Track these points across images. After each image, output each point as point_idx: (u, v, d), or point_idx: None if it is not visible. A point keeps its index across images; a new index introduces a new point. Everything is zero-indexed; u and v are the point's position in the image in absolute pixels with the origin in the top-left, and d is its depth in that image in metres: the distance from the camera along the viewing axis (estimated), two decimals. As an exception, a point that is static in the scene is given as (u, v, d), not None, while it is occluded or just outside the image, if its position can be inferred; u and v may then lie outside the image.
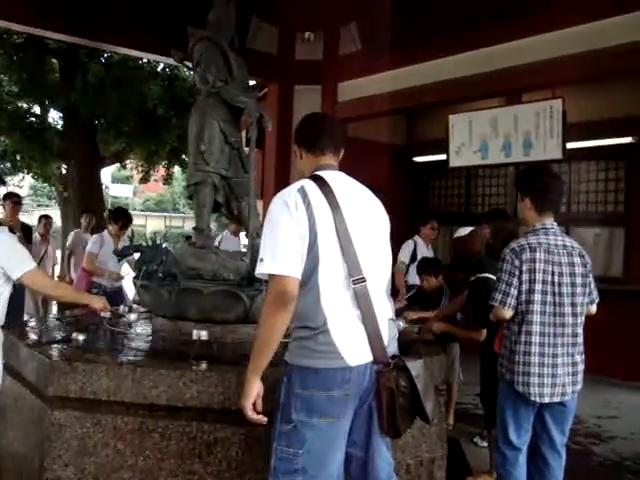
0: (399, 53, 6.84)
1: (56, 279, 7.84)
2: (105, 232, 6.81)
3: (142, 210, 42.36)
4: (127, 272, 6.45)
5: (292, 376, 2.29)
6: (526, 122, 6.84)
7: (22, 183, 21.05)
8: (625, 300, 7.00)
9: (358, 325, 2.31)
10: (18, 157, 14.29)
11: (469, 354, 5.03)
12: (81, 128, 13.09)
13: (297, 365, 2.29)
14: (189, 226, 31.59)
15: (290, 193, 2.33)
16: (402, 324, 3.70)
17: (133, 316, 4.18)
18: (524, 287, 3.12)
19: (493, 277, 3.60)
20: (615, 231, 8.26)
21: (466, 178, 9.94)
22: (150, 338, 3.78)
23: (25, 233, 7.30)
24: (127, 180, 38.50)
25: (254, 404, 2.32)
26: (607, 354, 6.39)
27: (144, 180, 16.51)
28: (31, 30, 6.92)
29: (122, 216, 6.89)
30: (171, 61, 6.87)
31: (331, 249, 2.28)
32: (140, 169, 16.09)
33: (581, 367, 3.19)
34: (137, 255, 4.01)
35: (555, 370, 3.09)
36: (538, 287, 3.10)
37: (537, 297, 3.10)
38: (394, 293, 5.86)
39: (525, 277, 3.11)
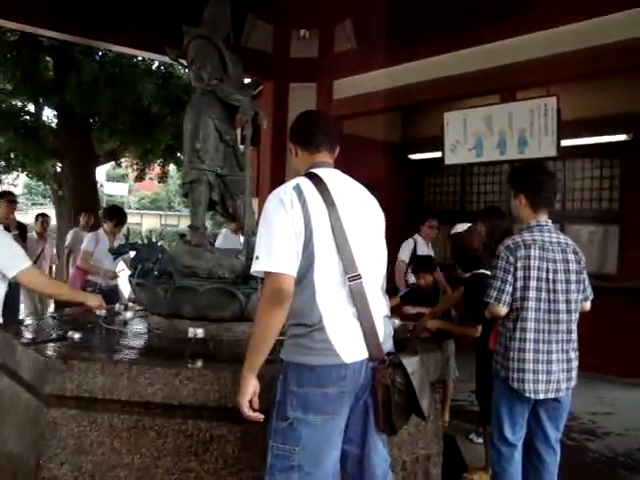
0: (394, 51, 6.83)
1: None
2: (100, 230, 6.81)
3: (137, 208, 42.33)
4: (122, 270, 6.44)
5: (288, 373, 2.29)
6: (521, 120, 6.85)
7: (16, 181, 21.00)
8: (620, 297, 7.04)
9: (354, 322, 2.31)
10: (12, 155, 14.22)
11: (464, 351, 5.04)
12: (76, 126, 13.07)
13: (293, 362, 2.29)
14: (184, 224, 31.48)
15: (286, 191, 2.33)
16: (397, 322, 3.71)
17: (129, 314, 4.17)
18: (519, 284, 3.13)
19: (489, 273, 3.62)
20: (610, 228, 8.29)
21: (461, 175, 9.96)
22: (146, 336, 3.78)
23: (20, 232, 7.29)
24: (122, 178, 38.40)
25: (250, 402, 2.33)
26: (602, 351, 6.41)
27: (139, 178, 16.47)
28: (25, 28, 6.88)
29: (116, 214, 6.88)
30: (166, 59, 6.86)
31: (327, 247, 2.29)
32: (135, 167, 16.05)
33: (575, 363, 3.21)
34: (132, 253, 4.01)
35: (550, 366, 3.11)
36: (533, 284, 3.11)
37: (532, 294, 3.11)
38: (394, 291, 5.87)
39: (520, 274, 3.13)
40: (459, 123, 7.49)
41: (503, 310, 3.18)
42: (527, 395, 3.11)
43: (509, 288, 3.15)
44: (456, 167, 9.14)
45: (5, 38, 11.40)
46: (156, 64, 13.08)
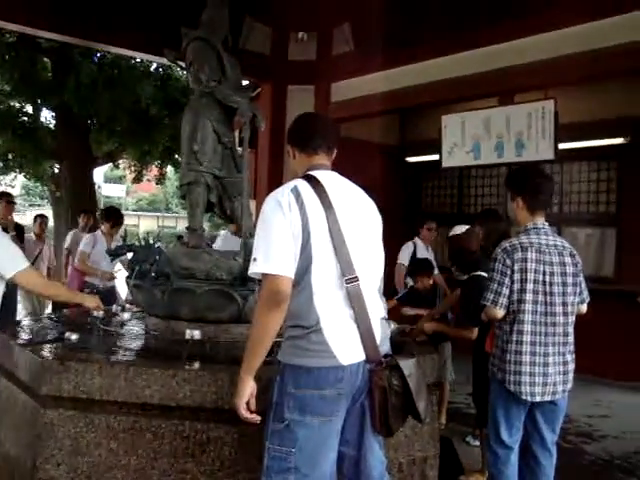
0: (392, 53, 6.85)
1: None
2: (98, 232, 6.82)
3: (135, 210, 42.30)
4: (119, 271, 6.44)
5: (285, 375, 2.30)
6: (518, 123, 6.86)
7: (14, 182, 20.96)
8: (616, 300, 7.04)
9: (351, 324, 2.32)
10: (10, 156, 14.25)
11: (461, 353, 5.05)
12: (74, 128, 13.08)
13: (290, 364, 2.30)
14: (182, 226, 31.55)
15: (283, 193, 2.34)
16: (393, 325, 3.71)
17: (126, 315, 4.17)
18: (516, 286, 3.14)
19: (487, 275, 3.62)
20: (607, 231, 8.29)
21: (459, 178, 9.96)
22: (143, 338, 3.78)
23: (18, 233, 7.28)
24: (120, 180, 38.40)
25: (247, 403, 2.33)
26: (598, 354, 6.42)
27: (137, 180, 16.48)
28: (23, 29, 6.88)
29: (113, 215, 6.90)
30: (164, 61, 6.87)
31: (324, 249, 2.29)
32: (133, 169, 16.07)
33: (572, 366, 3.21)
34: (130, 255, 4.01)
35: (546, 369, 3.11)
36: (529, 287, 3.12)
37: (528, 296, 3.12)
38: (392, 294, 5.86)
39: (517, 277, 3.13)
40: (457, 126, 7.50)
41: (500, 313, 3.19)
42: (524, 397, 3.12)
43: (506, 291, 3.15)
44: (454, 170, 9.15)
45: (3, 39, 11.41)
46: (154, 66, 13.11)
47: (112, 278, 6.76)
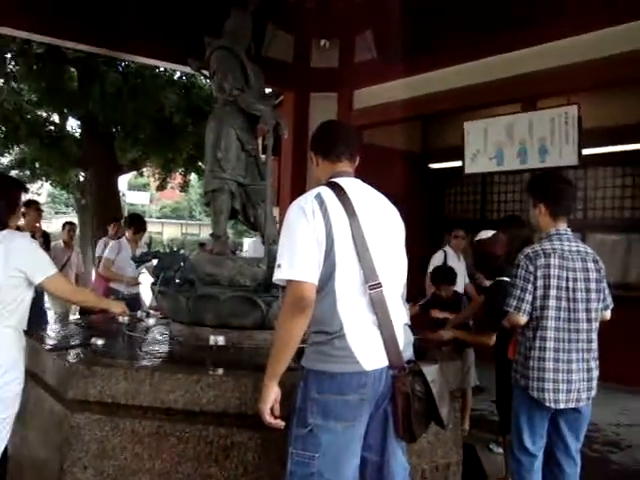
0: (414, 60, 6.86)
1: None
2: (123, 239, 6.90)
3: (159, 217, 42.64)
4: (144, 277, 6.51)
5: (308, 380, 2.32)
6: (541, 128, 6.82)
7: (40, 190, 21.25)
8: (642, 307, 6.95)
9: (374, 330, 2.33)
10: (37, 165, 14.44)
11: (485, 360, 5.02)
12: (99, 136, 13.21)
13: (313, 370, 2.31)
14: (205, 233, 31.73)
15: (307, 200, 2.36)
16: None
17: (151, 321, 4.22)
18: (539, 293, 3.13)
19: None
20: (632, 237, 8.21)
21: (482, 185, 9.93)
22: (167, 343, 3.81)
23: (44, 240, 7.39)
24: (144, 187, 38.73)
25: (271, 408, 2.35)
26: (624, 361, 6.34)
27: (161, 187, 16.58)
28: (51, 40, 7.01)
29: (135, 221, 6.98)
30: (188, 69, 6.92)
31: (348, 255, 2.31)
32: (157, 177, 16.18)
33: (596, 373, 3.19)
34: (155, 261, 4.06)
35: (570, 376, 3.09)
36: (552, 293, 3.10)
37: (551, 303, 3.10)
38: (415, 299, 5.82)
39: (540, 283, 3.12)
40: (479, 132, 7.48)
41: (523, 319, 3.17)
42: (547, 404, 3.10)
43: (529, 297, 3.14)
44: (476, 176, 9.13)
45: (31, 50, 11.60)
46: (178, 74, 13.21)
47: (137, 284, 6.84)
